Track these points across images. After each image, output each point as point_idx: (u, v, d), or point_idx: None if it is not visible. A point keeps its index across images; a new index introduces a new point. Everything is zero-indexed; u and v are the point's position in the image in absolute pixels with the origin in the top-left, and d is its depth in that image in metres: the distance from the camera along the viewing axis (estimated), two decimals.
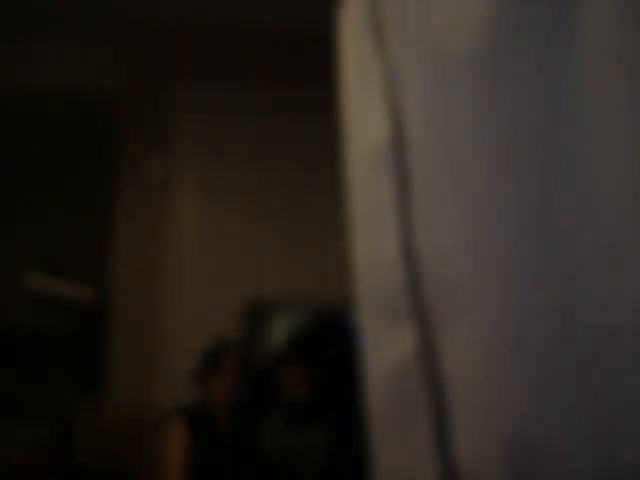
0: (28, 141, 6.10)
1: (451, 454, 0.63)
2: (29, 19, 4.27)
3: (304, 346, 2.52)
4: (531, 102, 0.62)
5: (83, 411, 4.83)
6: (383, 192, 0.70)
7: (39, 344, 6.16)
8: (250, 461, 3.14)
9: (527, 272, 0.60)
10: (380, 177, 0.71)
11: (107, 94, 5.30)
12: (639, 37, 0.60)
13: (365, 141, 0.74)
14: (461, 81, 0.65)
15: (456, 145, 0.65)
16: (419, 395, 0.66)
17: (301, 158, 4.86)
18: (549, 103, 0.62)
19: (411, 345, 0.67)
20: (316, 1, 2.50)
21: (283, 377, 2.86)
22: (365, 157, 0.74)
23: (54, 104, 5.55)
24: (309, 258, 4.75)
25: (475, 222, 0.63)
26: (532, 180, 0.61)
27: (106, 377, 4.96)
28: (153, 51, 4.73)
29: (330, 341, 2.47)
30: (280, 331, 4.62)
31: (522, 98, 0.62)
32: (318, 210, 4.70)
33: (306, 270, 4.71)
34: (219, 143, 4.90)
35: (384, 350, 0.70)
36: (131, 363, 4.80)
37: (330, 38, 0.98)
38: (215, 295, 4.69)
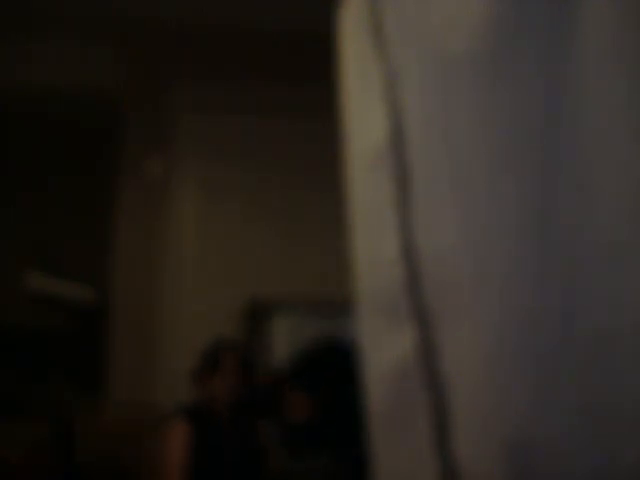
0: (28, 141, 6.09)
1: (451, 454, 0.63)
2: (29, 19, 4.27)
3: (307, 371, 2.52)
4: (531, 102, 0.62)
5: (83, 411, 4.82)
6: (383, 192, 0.70)
7: (39, 344, 6.15)
8: (251, 460, 3.14)
9: (527, 272, 0.60)
10: (380, 177, 0.71)
11: (107, 94, 5.29)
12: (639, 37, 0.60)
13: (365, 141, 0.74)
14: (461, 81, 0.65)
15: (456, 145, 0.65)
16: (419, 395, 0.66)
17: (301, 158, 4.86)
18: (549, 103, 0.62)
19: (411, 345, 0.67)
20: (316, 1, 2.50)
21: (285, 401, 2.88)
22: (365, 157, 0.74)
23: (54, 104, 5.55)
24: (309, 258, 4.75)
25: (475, 222, 0.63)
26: (532, 180, 0.61)
27: (106, 377, 4.96)
28: (153, 51, 4.72)
29: (332, 367, 2.47)
30: (280, 331, 4.62)
31: (522, 98, 0.62)
32: (318, 210, 4.69)
33: (306, 270, 4.71)
34: (219, 143, 4.90)
35: (384, 350, 0.70)
36: (131, 363, 4.80)
37: (330, 38, 0.98)
38: (215, 295, 4.68)
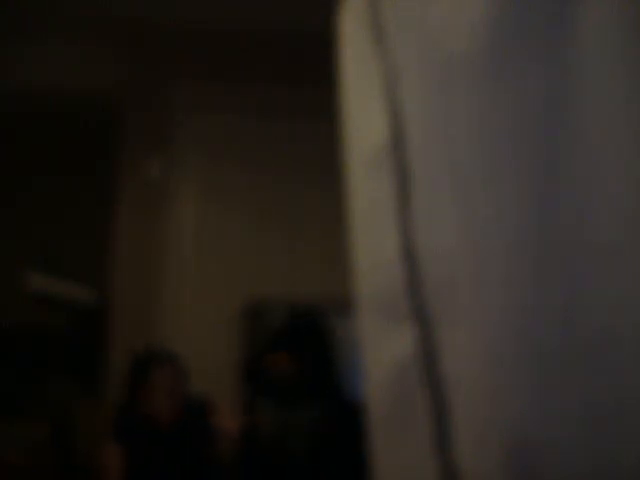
0: (28, 141, 6.09)
1: (451, 454, 0.63)
2: (29, 19, 4.27)
3: (287, 336, 2.72)
4: (531, 102, 0.62)
5: (83, 411, 4.82)
6: (383, 192, 0.70)
7: (39, 344, 6.15)
8: (195, 461, 3.02)
9: (527, 272, 0.60)
10: (380, 177, 0.71)
11: (107, 94, 5.29)
12: (639, 37, 0.60)
13: (365, 141, 0.74)
14: (461, 81, 0.65)
15: (456, 145, 0.65)
16: (419, 395, 0.66)
17: (301, 158, 4.86)
18: (549, 103, 0.62)
19: (411, 345, 0.67)
20: (316, 1, 2.50)
21: (271, 362, 3.03)
22: (365, 157, 0.74)
23: (54, 104, 5.55)
24: (309, 258, 4.75)
25: (475, 222, 0.63)
26: (532, 180, 0.61)
27: (106, 377, 4.96)
28: (153, 51, 4.73)
29: (308, 331, 2.69)
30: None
31: (522, 98, 0.62)
32: (319, 210, 4.70)
33: (306, 270, 4.71)
34: (219, 143, 4.90)
35: (384, 350, 0.70)
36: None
37: (330, 38, 0.98)
38: (215, 295, 4.68)
